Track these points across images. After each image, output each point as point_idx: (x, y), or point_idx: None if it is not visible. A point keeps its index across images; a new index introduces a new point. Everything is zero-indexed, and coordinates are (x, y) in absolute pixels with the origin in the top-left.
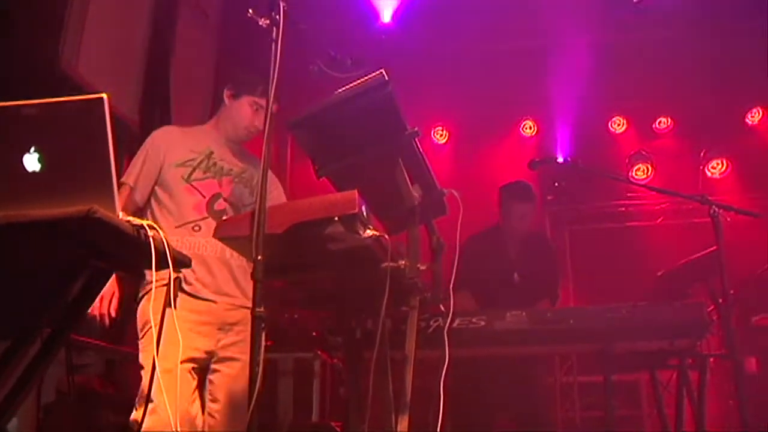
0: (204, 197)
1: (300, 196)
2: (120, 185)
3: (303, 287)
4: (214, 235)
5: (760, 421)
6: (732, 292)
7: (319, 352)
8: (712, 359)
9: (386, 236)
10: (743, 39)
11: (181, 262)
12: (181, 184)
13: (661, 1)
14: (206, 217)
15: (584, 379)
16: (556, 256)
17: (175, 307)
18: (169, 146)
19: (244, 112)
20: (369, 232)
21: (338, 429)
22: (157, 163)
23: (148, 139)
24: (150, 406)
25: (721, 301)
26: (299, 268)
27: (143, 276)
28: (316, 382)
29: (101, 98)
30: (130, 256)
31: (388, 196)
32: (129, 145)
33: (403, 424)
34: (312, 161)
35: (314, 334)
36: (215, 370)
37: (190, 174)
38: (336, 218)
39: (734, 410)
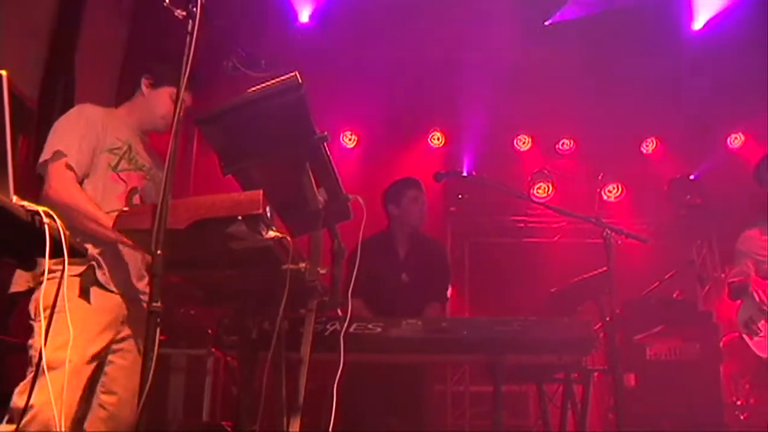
0: (126, 188)
1: (204, 193)
2: (60, 155)
3: (201, 284)
4: (114, 226)
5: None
6: (618, 311)
7: (213, 350)
8: (595, 374)
9: (288, 238)
10: (641, 73)
11: (78, 252)
12: (108, 171)
13: (570, 28)
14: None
15: (475, 389)
16: (446, 258)
17: (89, 300)
18: (102, 128)
19: (164, 102)
20: (272, 233)
21: (229, 429)
22: (93, 142)
23: (79, 114)
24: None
25: (607, 319)
26: (199, 265)
27: (35, 265)
28: (209, 380)
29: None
30: (22, 242)
31: (293, 199)
32: (25, 124)
33: (294, 425)
34: (219, 158)
35: (210, 331)
36: (110, 362)
37: (118, 163)
38: (239, 217)
39: (612, 423)
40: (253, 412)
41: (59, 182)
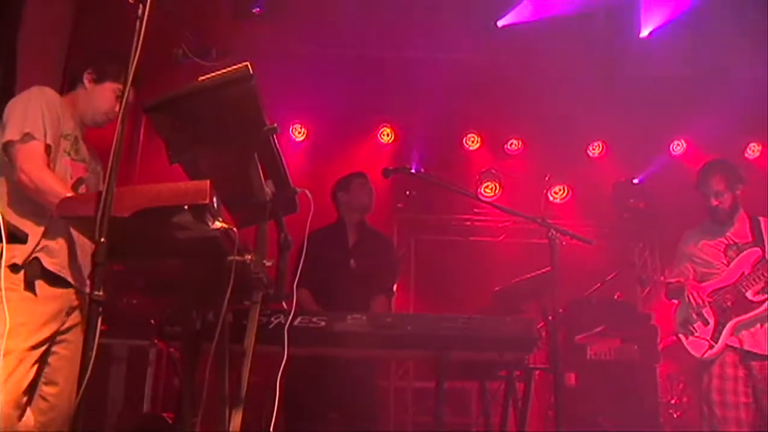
0: (74, 177)
1: (149, 181)
2: (29, 137)
3: (145, 273)
4: (56, 213)
5: (574, 431)
6: (561, 311)
7: (155, 341)
8: (537, 372)
9: (235, 229)
10: (589, 77)
11: (16, 237)
12: (65, 156)
13: (523, 30)
14: None
15: (418, 385)
16: (395, 252)
17: (35, 292)
18: (61, 113)
19: (107, 98)
20: (218, 224)
21: (169, 420)
22: (55, 126)
23: (41, 96)
24: None
25: (550, 318)
26: (143, 254)
27: None
28: (150, 371)
29: None
30: None
31: (241, 190)
32: None
33: (237, 419)
34: (166, 147)
35: (152, 321)
36: (54, 352)
37: (70, 150)
38: (186, 207)
39: (552, 420)
40: (195, 404)
41: (31, 165)
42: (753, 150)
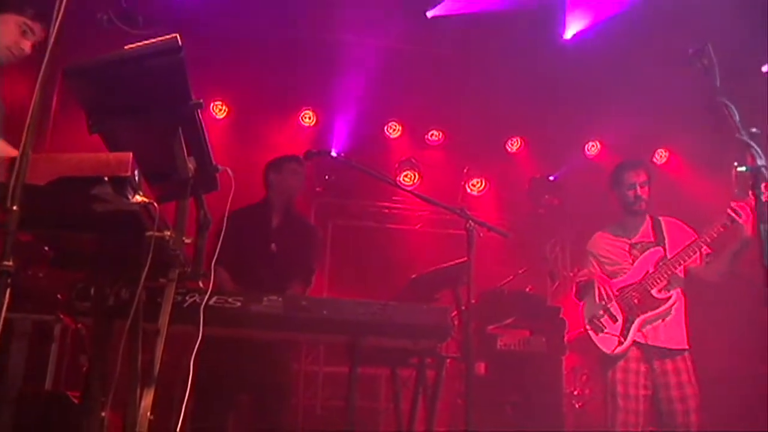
0: None
1: (62, 149)
2: None
3: (58, 245)
4: None
5: (482, 419)
6: (474, 301)
7: (61, 316)
8: (448, 360)
9: (155, 204)
10: (511, 74)
11: None
12: None
13: (451, 22)
14: None
15: (328, 369)
16: (317, 240)
17: None
18: None
19: (9, 30)
20: (138, 198)
21: (74, 399)
22: None
23: None
24: None
25: (463, 308)
26: (57, 225)
27: None
28: (54, 348)
29: None
30: None
31: (162, 164)
32: None
33: (148, 398)
34: (87, 115)
35: (59, 296)
36: None
37: None
38: (106, 178)
39: (461, 408)
40: (104, 382)
41: None
42: (660, 156)
